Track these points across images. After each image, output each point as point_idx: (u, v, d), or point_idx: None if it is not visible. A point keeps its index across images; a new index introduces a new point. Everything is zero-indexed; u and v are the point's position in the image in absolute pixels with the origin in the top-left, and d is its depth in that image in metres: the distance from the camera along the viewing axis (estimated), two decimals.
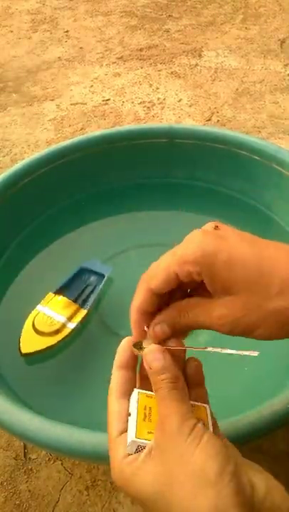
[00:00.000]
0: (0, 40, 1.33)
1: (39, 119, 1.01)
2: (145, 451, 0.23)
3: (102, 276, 0.54)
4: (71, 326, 0.50)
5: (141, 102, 1.04)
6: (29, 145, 0.93)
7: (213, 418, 0.26)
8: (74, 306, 0.51)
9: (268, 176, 0.61)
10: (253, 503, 0.21)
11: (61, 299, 0.51)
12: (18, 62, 1.23)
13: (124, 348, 0.28)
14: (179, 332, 0.27)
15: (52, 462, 0.49)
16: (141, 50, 1.24)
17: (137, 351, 0.27)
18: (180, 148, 0.65)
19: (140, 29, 1.34)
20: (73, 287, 0.54)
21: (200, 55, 1.20)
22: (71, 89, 1.10)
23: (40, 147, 0.92)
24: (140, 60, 1.20)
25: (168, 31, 1.32)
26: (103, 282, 0.54)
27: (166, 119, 0.98)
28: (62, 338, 0.49)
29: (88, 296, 0.53)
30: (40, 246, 0.60)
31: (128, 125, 0.95)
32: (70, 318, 0.50)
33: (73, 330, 0.49)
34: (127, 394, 0.26)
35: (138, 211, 0.65)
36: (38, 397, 0.44)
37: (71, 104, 1.05)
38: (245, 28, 1.31)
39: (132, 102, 1.04)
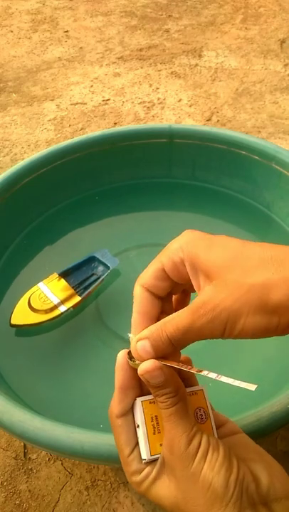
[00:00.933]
0: (0, 40, 1.33)
1: (39, 119, 1.01)
2: (157, 466, 0.25)
3: (107, 267, 0.56)
4: (62, 309, 0.51)
5: (141, 102, 1.04)
6: (29, 145, 0.93)
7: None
8: (70, 291, 0.52)
9: (267, 176, 0.61)
10: (259, 498, 0.22)
11: (61, 282, 0.53)
12: (18, 62, 1.23)
13: (122, 366, 0.26)
14: (167, 350, 0.25)
15: (52, 462, 0.49)
16: (141, 50, 1.24)
17: (133, 364, 0.26)
18: (180, 148, 0.65)
19: (140, 29, 1.34)
20: (79, 273, 0.56)
21: (200, 55, 1.20)
22: (71, 89, 1.10)
23: (40, 147, 0.92)
24: (140, 60, 1.20)
25: (168, 31, 1.32)
26: (106, 274, 0.55)
27: (166, 119, 0.98)
28: (51, 318, 0.50)
29: (90, 285, 0.54)
30: (39, 246, 0.60)
31: (128, 125, 0.95)
32: (63, 301, 0.51)
33: (63, 313, 0.51)
34: (131, 410, 0.26)
35: (138, 211, 0.65)
36: (38, 397, 0.44)
37: (71, 104, 1.05)
38: (245, 28, 1.31)
39: (132, 102, 1.04)
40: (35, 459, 0.49)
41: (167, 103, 1.03)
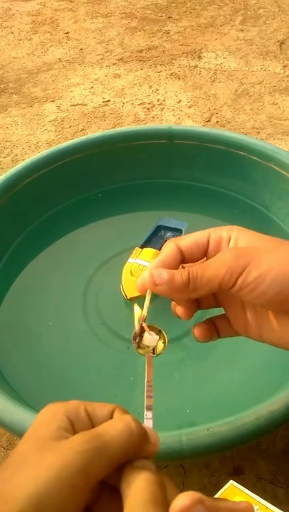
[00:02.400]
0: (0, 41, 1.34)
1: (40, 120, 1.01)
2: None
3: (179, 231, 0.59)
4: None
5: (141, 103, 1.04)
6: (30, 146, 0.94)
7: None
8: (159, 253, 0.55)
9: (266, 176, 0.61)
10: None
11: (149, 249, 0.56)
12: (18, 63, 1.23)
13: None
14: (182, 296, 0.25)
15: None
16: (141, 51, 1.24)
17: (142, 351, 0.26)
18: (180, 149, 0.65)
19: (140, 30, 1.34)
20: (154, 242, 0.59)
21: (199, 57, 1.20)
22: (71, 91, 1.11)
23: (40, 148, 0.93)
24: (140, 61, 1.20)
25: (168, 33, 1.32)
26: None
27: (165, 120, 0.99)
28: None
29: None
30: (40, 247, 0.61)
31: (128, 126, 0.95)
32: None
33: None
34: None
35: (138, 211, 0.65)
36: (39, 396, 0.44)
37: (71, 106, 1.05)
38: (245, 29, 1.32)
39: (132, 103, 1.04)
40: None
41: (167, 104, 1.03)
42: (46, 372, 0.48)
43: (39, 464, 0.18)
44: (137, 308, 0.27)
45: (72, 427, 0.20)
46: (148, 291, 0.26)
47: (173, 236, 0.59)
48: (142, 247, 0.57)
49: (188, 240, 0.27)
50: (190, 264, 0.27)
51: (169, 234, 0.60)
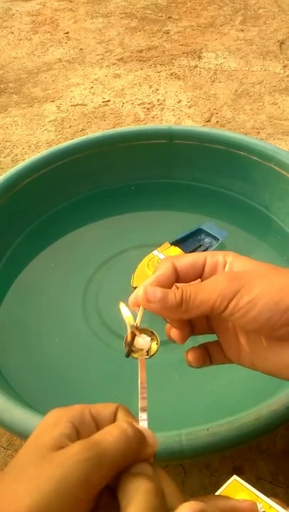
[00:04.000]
0: (0, 41, 1.34)
1: (40, 120, 1.01)
2: None
3: (217, 240, 0.58)
4: None
5: (141, 103, 1.04)
6: (30, 146, 0.94)
7: None
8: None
9: (266, 176, 0.61)
10: None
11: (176, 249, 0.55)
12: (18, 63, 1.23)
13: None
14: (175, 318, 0.26)
15: None
16: (141, 51, 1.24)
17: (136, 355, 0.26)
18: (179, 149, 0.65)
19: (140, 30, 1.34)
20: (187, 244, 0.58)
21: (199, 57, 1.20)
22: (71, 91, 1.10)
23: (40, 148, 0.93)
24: (140, 61, 1.20)
25: (168, 33, 1.32)
26: (216, 245, 0.57)
27: (165, 120, 0.99)
28: None
29: None
30: (40, 247, 0.61)
31: (128, 126, 0.95)
32: None
33: None
34: None
35: (138, 211, 0.65)
36: (39, 396, 0.44)
37: (71, 106, 1.05)
38: (245, 29, 1.32)
39: (132, 103, 1.04)
40: None
41: (167, 104, 1.03)
42: (46, 372, 0.48)
43: (37, 475, 0.18)
44: (123, 306, 0.28)
45: (77, 433, 0.20)
46: (140, 307, 0.26)
47: (210, 243, 0.59)
48: (173, 244, 0.57)
49: (185, 261, 0.27)
50: (183, 284, 0.27)
51: (207, 240, 0.59)
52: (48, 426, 0.20)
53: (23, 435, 0.36)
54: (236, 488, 0.26)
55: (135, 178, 0.67)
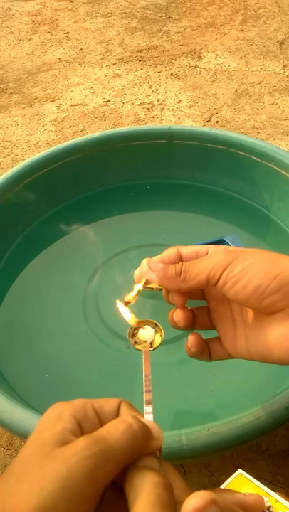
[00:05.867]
0: (0, 41, 1.34)
1: (40, 120, 1.01)
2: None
3: None
4: None
5: (141, 103, 1.04)
6: (30, 146, 0.94)
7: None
8: None
9: (266, 176, 0.61)
10: None
11: None
12: (18, 63, 1.23)
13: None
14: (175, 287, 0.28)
15: None
16: (141, 51, 1.24)
17: (132, 340, 0.26)
18: (179, 149, 0.65)
19: (140, 30, 1.34)
20: None
21: (199, 57, 1.20)
22: (71, 91, 1.10)
23: (40, 148, 0.93)
24: (140, 61, 1.20)
25: (168, 33, 1.32)
26: None
27: (165, 120, 0.99)
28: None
29: None
30: (40, 247, 0.61)
31: (128, 126, 0.95)
32: None
33: None
34: None
35: (138, 211, 0.65)
36: (39, 396, 0.44)
37: (71, 106, 1.05)
38: (245, 29, 1.32)
39: (132, 103, 1.04)
40: None
41: (167, 104, 1.03)
42: (46, 372, 0.48)
43: (42, 474, 0.18)
44: (119, 303, 0.28)
45: (80, 428, 0.20)
46: (141, 281, 0.28)
47: None
48: None
49: (189, 249, 0.30)
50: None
51: None
52: (50, 421, 0.20)
53: (23, 435, 0.36)
54: (241, 482, 0.26)
55: (135, 178, 0.67)
